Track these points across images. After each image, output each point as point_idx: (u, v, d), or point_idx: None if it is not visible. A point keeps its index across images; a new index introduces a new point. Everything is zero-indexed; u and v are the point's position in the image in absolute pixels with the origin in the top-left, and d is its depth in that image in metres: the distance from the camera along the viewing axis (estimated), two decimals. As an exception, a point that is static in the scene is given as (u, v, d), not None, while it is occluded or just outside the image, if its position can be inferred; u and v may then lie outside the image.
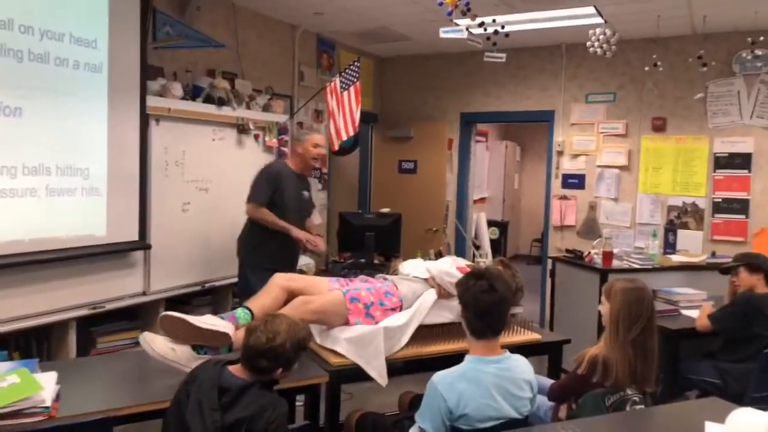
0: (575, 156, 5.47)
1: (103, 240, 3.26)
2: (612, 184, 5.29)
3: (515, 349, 2.14)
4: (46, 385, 1.90)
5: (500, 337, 2.04)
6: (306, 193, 3.63)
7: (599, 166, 5.34)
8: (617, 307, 2.26)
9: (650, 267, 4.14)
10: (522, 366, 2.04)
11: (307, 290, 2.61)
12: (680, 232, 4.89)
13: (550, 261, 4.84)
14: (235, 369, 1.88)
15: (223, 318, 2.31)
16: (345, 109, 4.27)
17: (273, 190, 3.49)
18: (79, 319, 3.20)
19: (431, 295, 2.67)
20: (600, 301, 2.37)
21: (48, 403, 1.84)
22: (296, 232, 3.46)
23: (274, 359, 1.83)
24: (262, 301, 2.53)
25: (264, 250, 3.53)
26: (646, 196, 5.16)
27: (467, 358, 1.99)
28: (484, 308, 1.96)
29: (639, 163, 5.18)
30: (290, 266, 3.58)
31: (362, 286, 2.71)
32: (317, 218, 5.26)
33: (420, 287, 2.73)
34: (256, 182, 3.52)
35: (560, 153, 5.53)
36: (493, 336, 2.00)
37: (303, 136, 3.65)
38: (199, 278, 3.92)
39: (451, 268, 2.69)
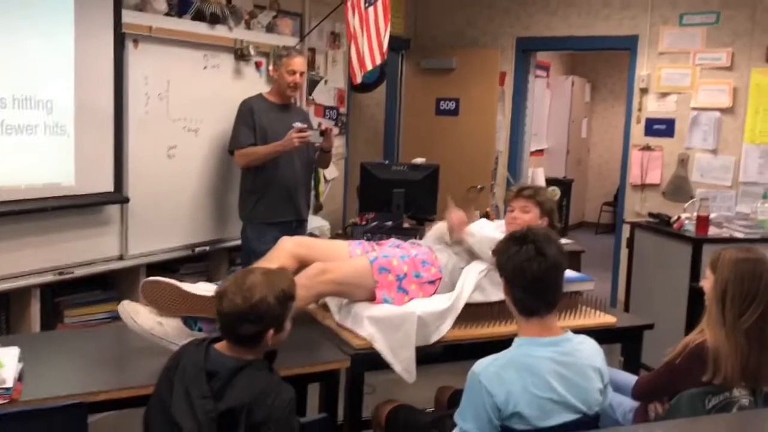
0: (663, 95, 5.37)
1: (70, 191, 3.29)
2: (710, 132, 5.21)
3: (581, 333, 2.12)
4: (6, 362, 1.94)
5: (556, 313, 2.05)
6: (298, 126, 3.72)
7: (694, 109, 5.26)
8: (726, 283, 2.22)
9: (758, 237, 4.12)
10: (588, 349, 2.03)
11: (322, 257, 2.64)
12: (798, 194, 4.81)
13: (626, 228, 4.80)
14: (223, 347, 1.91)
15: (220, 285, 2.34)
16: (371, 31, 4.21)
17: (252, 125, 3.77)
18: (43, 286, 3.26)
19: (475, 268, 2.68)
20: (703, 275, 2.35)
21: (9, 384, 1.89)
22: (284, 142, 3.66)
23: (259, 320, 1.85)
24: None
25: (260, 198, 3.80)
26: (754, 147, 5.07)
27: (516, 341, 2.00)
28: (533, 279, 1.95)
29: (747, 105, 5.08)
30: (289, 212, 3.88)
31: (393, 252, 2.73)
32: (332, 170, 5.29)
33: (459, 258, 2.73)
34: (234, 127, 3.82)
35: (644, 91, 5.43)
36: (547, 311, 2.00)
37: (279, 60, 3.86)
38: (189, 240, 3.96)
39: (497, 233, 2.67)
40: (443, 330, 2.54)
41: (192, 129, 3.91)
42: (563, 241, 2.99)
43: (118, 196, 3.52)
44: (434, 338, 2.52)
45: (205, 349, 1.88)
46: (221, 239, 4.14)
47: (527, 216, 2.81)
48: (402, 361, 2.43)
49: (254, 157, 3.75)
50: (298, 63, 3.83)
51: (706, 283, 2.32)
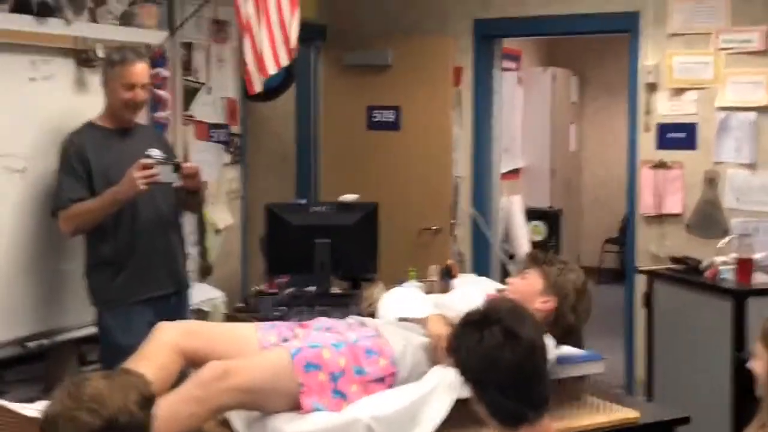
0: (678, 92, 5.47)
1: None
2: (744, 140, 5.29)
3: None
4: None
5: (549, 414, 2.08)
6: (153, 152, 3.77)
7: (721, 109, 5.37)
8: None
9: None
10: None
11: (221, 351, 2.65)
12: None
13: (641, 278, 4.87)
14: None
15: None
16: (271, 19, 4.25)
17: (84, 170, 3.76)
18: None
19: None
20: (750, 353, 2.41)
21: None
22: (123, 185, 3.65)
23: None
24: (143, 372, 2.48)
25: (119, 269, 3.80)
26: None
27: None
28: (509, 373, 2.01)
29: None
30: (165, 282, 3.91)
31: (324, 339, 2.74)
32: (224, 215, 5.25)
33: (425, 339, 2.75)
34: (57, 176, 3.82)
35: (651, 87, 5.53)
36: (538, 414, 2.04)
37: (110, 69, 3.85)
38: (14, 332, 3.87)
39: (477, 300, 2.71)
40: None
41: (17, 169, 3.85)
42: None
43: None
44: None
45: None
46: (64, 328, 4.05)
47: (521, 284, 2.91)
48: None
49: (85, 218, 3.73)
50: (139, 72, 3.81)
51: (759, 363, 2.37)
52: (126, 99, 3.80)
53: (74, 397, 1.86)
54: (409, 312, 2.95)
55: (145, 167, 3.63)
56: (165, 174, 3.70)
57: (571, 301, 2.93)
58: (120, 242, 3.80)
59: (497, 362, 2.00)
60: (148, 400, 1.93)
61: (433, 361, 2.79)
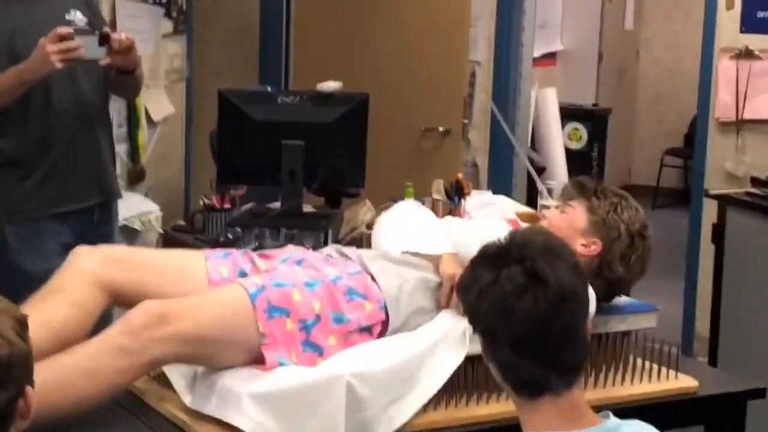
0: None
1: None
2: None
3: (633, 412, 2.21)
4: None
5: (581, 384, 2.13)
6: (75, 16, 3.81)
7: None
8: None
9: None
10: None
11: (157, 286, 2.70)
12: None
13: (711, 204, 4.94)
14: None
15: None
16: None
17: None
18: None
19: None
20: None
21: None
22: (34, 60, 3.65)
23: (5, 375, 1.84)
24: (52, 309, 2.57)
25: (27, 173, 3.84)
26: None
27: None
28: (529, 327, 2.01)
29: None
30: (88, 191, 3.97)
31: (293, 275, 2.76)
32: (162, 102, 5.23)
33: (428, 276, 2.76)
34: None
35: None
36: (566, 384, 2.05)
37: None
38: None
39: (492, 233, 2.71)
40: (399, 417, 2.58)
41: None
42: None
43: None
44: (382, 429, 2.56)
45: None
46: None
47: (559, 218, 2.98)
48: None
49: None
50: None
51: None
52: None
53: None
54: (419, 245, 2.96)
55: (63, 38, 3.58)
56: (89, 47, 3.65)
57: (622, 248, 2.94)
58: (29, 137, 3.80)
59: (513, 312, 1.99)
60: (23, 325, 1.92)
61: (440, 308, 2.82)
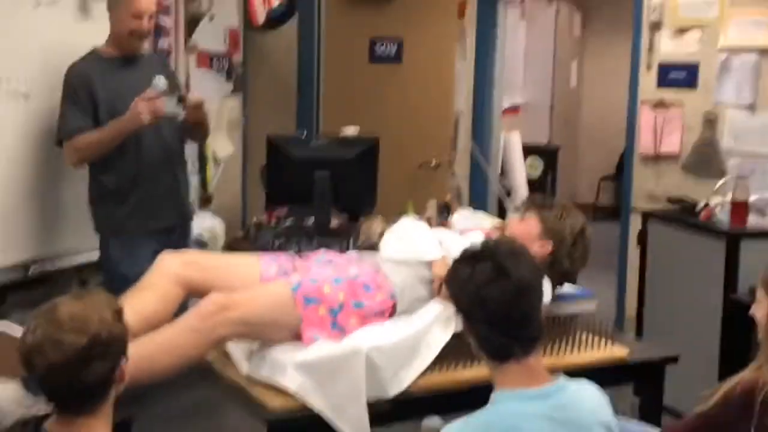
0: (682, 31, 5.45)
1: None
2: (745, 81, 5.26)
3: (579, 374, 2.23)
4: None
5: (540, 351, 2.14)
6: (160, 81, 3.71)
7: (724, 49, 5.34)
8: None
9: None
10: (590, 399, 2.13)
11: (223, 282, 2.70)
12: None
13: (636, 217, 4.89)
14: (60, 426, 1.91)
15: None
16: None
17: (89, 100, 3.73)
18: None
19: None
20: (755, 298, 2.42)
21: None
22: (129, 117, 3.62)
23: (106, 351, 1.90)
24: (143, 301, 2.58)
25: (123, 200, 3.81)
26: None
27: (493, 396, 2.09)
28: (497, 309, 2.05)
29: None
30: (169, 215, 3.95)
31: (324, 275, 2.78)
32: (225, 145, 5.25)
33: (424, 273, 2.81)
34: (61, 105, 3.76)
35: (655, 26, 5.50)
36: (527, 351, 2.08)
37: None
38: (16, 256, 3.89)
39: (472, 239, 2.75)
40: (406, 379, 2.62)
41: (21, 93, 3.82)
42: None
43: None
44: (393, 390, 2.59)
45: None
46: (66, 253, 4.07)
47: (519, 226, 2.96)
48: (350, 419, 2.48)
49: (89, 149, 3.72)
50: (146, 1, 3.75)
51: (760, 309, 2.39)
52: (133, 28, 3.75)
53: (54, 322, 1.89)
54: (417, 254, 2.95)
55: (150, 99, 3.60)
56: (169, 105, 3.68)
57: (567, 247, 2.97)
58: (124, 174, 3.79)
59: (485, 298, 2.04)
60: (119, 313, 1.99)
61: (433, 297, 2.84)
